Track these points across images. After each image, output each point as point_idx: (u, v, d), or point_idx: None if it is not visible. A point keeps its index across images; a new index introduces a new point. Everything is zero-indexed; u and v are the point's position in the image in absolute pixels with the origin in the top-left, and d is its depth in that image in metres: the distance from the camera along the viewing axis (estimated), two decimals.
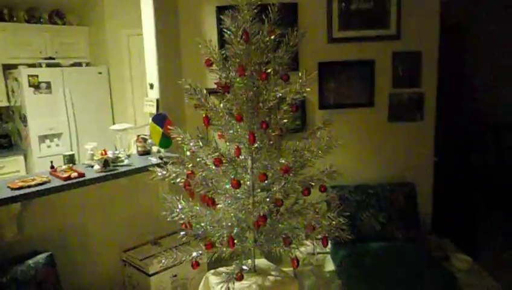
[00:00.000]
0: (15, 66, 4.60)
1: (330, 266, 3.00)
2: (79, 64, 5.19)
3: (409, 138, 3.32)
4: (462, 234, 3.59)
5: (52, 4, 5.12)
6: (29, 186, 2.26)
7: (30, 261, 2.15)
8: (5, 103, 4.78)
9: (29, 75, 4.51)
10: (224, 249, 2.13)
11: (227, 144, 2.15)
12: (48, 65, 4.81)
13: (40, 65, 4.77)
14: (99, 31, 5.13)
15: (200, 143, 2.02)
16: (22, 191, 2.20)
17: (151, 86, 3.17)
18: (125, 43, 4.96)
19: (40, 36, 4.89)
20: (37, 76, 4.57)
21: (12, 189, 2.22)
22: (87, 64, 5.28)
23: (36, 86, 4.57)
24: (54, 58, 4.96)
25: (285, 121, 2.10)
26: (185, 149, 2.11)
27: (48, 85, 4.66)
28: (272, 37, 2.02)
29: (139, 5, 3.14)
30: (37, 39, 4.86)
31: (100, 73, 5.10)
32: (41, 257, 2.20)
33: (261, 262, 2.43)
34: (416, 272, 2.60)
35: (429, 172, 3.37)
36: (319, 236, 2.18)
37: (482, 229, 3.91)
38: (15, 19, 4.83)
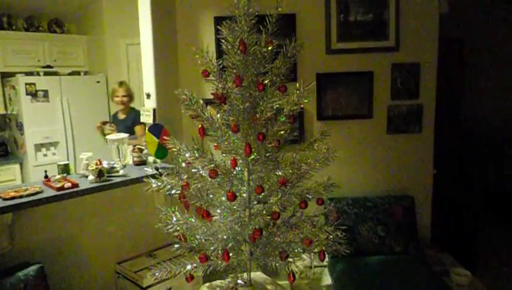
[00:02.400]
0: (13, 74, 4.59)
1: (327, 280, 2.95)
2: (77, 73, 5.18)
3: (408, 150, 3.29)
4: (462, 248, 3.54)
5: (51, 13, 5.14)
6: (21, 197, 2.22)
7: (20, 273, 2.11)
8: (1, 111, 4.77)
9: (26, 83, 4.50)
10: (220, 262, 2.09)
11: (223, 155, 2.12)
12: (46, 73, 4.81)
13: (38, 73, 4.76)
14: (98, 40, 5.14)
15: (196, 154, 1.99)
16: (13, 202, 2.16)
17: (148, 96, 3.15)
18: (123, 52, 4.95)
19: (39, 44, 4.89)
20: (34, 84, 4.56)
21: (3, 199, 2.18)
22: (85, 73, 5.28)
23: (33, 94, 4.56)
24: (52, 67, 4.95)
25: (282, 132, 2.07)
26: (180, 160, 2.08)
27: (46, 93, 4.64)
28: (270, 47, 2.00)
29: (137, 15, 3.13)
30: (36, 47, 4.86)
31: (98, 82, 5.09)
32: (32, 269, 2.16)
33: (257, 275, 2.39)
34: (415, 286, 2.56)
35: (428, 184, 3.34)
36: (316, 250, 2.14)
37: (481, 243, 3.86)
38: (14, 27, 4.84)
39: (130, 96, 4.05)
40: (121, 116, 4.06)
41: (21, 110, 4.50)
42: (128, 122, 3.95)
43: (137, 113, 3.86)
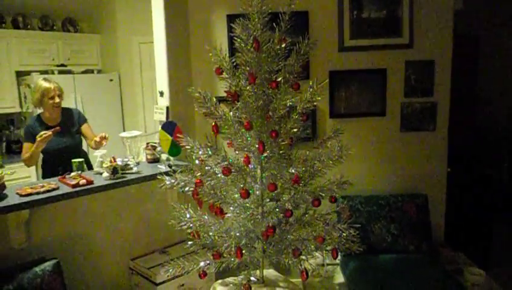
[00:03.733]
0: (28, 73, 4.66)
1: (340, 278, 2.94)
2: (90, 72, 5.24)
3: (422, 148, 3.26)
4: (475, 247, 3.50)
5: (65, 12, 5.20)
6: (37, 193, 2.25)
7: (37, 269, 2.14)
8: (17, 109, 4.84)
9: None
10: (232, 259, 2.10)
11: (237, 152, 2.12)
12: (60, 72, 4.87)
13: (52, 72, 4.83)
14: (111, 38, 5.18)
15: (209, 151, 2.00)
16: (30, 198, 2.20)
17: (161, 94, 3.17)
18: (136, 50, 4.99)
19: (53, 43, 4.96)
20: None
21: (21, 195, 2.22)
22: (99, 72, 5.33)
23: None
24: (65, 66, 5.02)
25: (295, 130, 2.07)
26: (193, 157, 2.09)
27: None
28: (283, 45, 2.00)
29: (150, 13, 3.16)
30: (50, 46, 4.93)
31: (111, 80, 5.14)
32: (48, 265, 2.19)
33: (270, 273, 2.39)
34: (428, 285, 2.54)
35: (442, 183, 3.30)
36: (329, 247, 2.14)
37: (495, 242, 3.82)
38: (29, 26, 4.91)
39: (62, 95, 3.12)
40: (53, 122, 3.11)
41: (36, 108, 4.56)
42: (75, 125, 3.21)
43: (77, 112, 3.30)
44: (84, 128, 3.26)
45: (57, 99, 3.04)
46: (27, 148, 2.99)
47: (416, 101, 3.19)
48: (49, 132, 2.86)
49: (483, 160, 4.50)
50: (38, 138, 2.85)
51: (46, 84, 3.01)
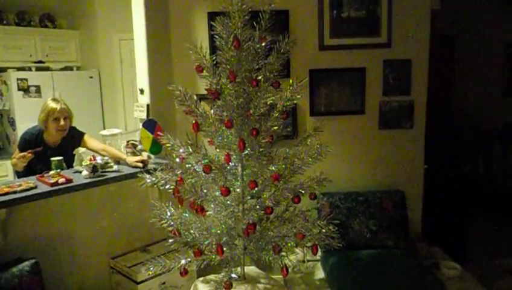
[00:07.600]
0: (4, 70, 4.56)
1: (320, 274, 2.98)
2: (69, 68, 5.15)
3: (399, 146, 3.33)
4: (452, 242, 3.60)
5: (43, 7, 5.09)
6: (14, 192, 2.22)
7: (14, 269, 2.11)
8: None
9: (18, 79, 4.48)
10: (214, 256, 2.11)
11: (217, 150, 2.13)
12: (38, 69, 4.78)
13: (29, 69, 4.73)
14: (90, 35, 5.11)
15: (190, 149, 2.00)
16: (7, 197, 2.17)
17: (142, 91, 3.15)
18: (116, 47, 4.93)
19: (30, 39, 4.85)
20: (26, 80, 4.54)
21: None
22: (78, 68, 5.25)
23: (25, 90, 4.54)
24: (44, 62, 4.92)
25: (275, 128, 2.09)
26: (174, 155, 2.09)
27: (38, 89, 4.62)
28: (263, 43, 2.02)
29: (130, 10, 3.13)
30: (27, 42, 4.82)
31: (91, 77, 5.07)
32: (26, 265, 2.16)
33: (251, 270, 2.41)
34: (406, 279, 2.60)
35: (419, 179, 3.38)
36: (309, 244, 2.17)
37: (471, 237, 3.93)
38: (5, 21, 4.79)
39: (70, 118, 2.96)
40: (52, 143, 2.94)
41: (13, 105, 4.47)
42: (69, 145, 2.95)
43: (74, 128, 3.07)
44: (87, 142, 3.02)
45: (62, 122, 2.85)
46: (16, 154, 2.83)
47: (394, 99, 3.26)
48: (29, 154, 2.68)
49: (459, 157, 4.61)
50: (15, 156, 2.73)
51: (52, 105, 2.84)
